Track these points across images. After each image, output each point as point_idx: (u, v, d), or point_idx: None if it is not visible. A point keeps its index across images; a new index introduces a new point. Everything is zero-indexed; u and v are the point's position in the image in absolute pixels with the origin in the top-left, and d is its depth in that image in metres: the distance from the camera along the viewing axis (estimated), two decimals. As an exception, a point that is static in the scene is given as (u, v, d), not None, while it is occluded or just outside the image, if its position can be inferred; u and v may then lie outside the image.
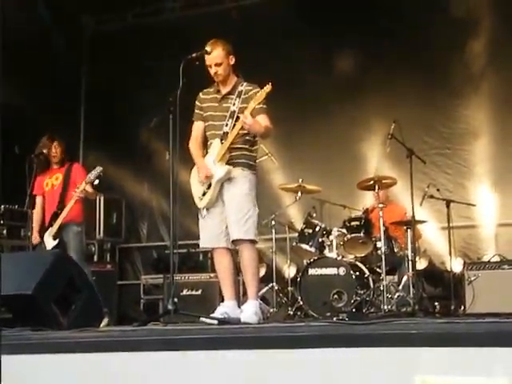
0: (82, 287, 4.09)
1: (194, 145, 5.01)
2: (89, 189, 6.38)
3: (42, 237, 6.43)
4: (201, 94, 5.02)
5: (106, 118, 9.18)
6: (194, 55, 4.75)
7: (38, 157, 6.63)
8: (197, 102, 5.01)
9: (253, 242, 4.83)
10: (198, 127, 5.02)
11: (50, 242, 6.34)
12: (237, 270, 5.08)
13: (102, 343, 2.91)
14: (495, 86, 7.79)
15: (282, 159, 7.51)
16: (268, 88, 4.68)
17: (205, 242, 4.98)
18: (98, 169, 6.36)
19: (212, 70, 4.86)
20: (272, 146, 7.18)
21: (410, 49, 8.11)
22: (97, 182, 6.37)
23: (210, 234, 4.91)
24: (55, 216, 6.40)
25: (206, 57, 4.83)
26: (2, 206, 7.50)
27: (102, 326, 5.78)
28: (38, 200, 6.66)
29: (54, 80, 8.54)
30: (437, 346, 2.42)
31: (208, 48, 4.80)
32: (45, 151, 6.57)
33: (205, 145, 5.02)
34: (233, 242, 4.83)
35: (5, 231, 7.49)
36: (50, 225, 6.40)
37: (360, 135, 8.24)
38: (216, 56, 4.83)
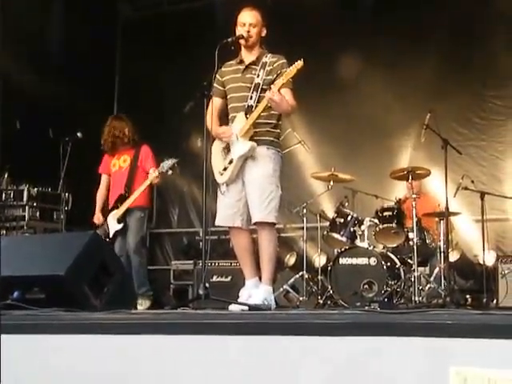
0: (115, 270, 4.11)
1: (210, 119, 4.82)
2: (155, 180, 6.32)
3: (105, 217, 6.46)
4: (222, 67, 4.88)
5: (138, 104, 9.19)
6: (229, 39, 4.72)
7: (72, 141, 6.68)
8: (217, 76, 4.85)
9: (273, 224, 4.72)
10: (215, 103, 4.82)
11: (113, 225, 6.36)
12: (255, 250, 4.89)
13: (134, 325, 2.91)
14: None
15: (314, 147, 7.49)
16: (299, 64, 4.53)
17: (220, 221, 4.86)
18: (173, 160, 6.27)
19: (244, 29, 4.74)
20: (305, 134, 7.16)
21: (448, 39, 8.02)
22: (170, 172, 6.29)
23: (225, 212, 4.80)
24: (121, 198, 6.38)
25: (242, 15, 4.76)
26: (36, 189, 7.57)
27: (143, 308, 5.85)
28: (104, 179, 6.69)
29: (89, 66, 8.57)
30: (472, 337, 2.38)
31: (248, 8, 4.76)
32: (116, 133, 6.51)
33: (224, 121, 4.89)
34: (253, 223, 4.72)
35: (38, 213, 7.55)
36: (116, 206, 6.39)
37: (394, 124, 8.19)
38: (254, 16, 4.77)
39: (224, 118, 4.93)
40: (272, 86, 4.57)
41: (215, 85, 4.87)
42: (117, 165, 6.58)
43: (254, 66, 4.79)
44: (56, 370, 2.93)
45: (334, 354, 2.56)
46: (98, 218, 6.48)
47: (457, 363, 2.35)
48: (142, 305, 6.18)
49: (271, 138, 4.76)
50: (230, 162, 4.75)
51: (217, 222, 4.89)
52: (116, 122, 6.61)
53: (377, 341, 2.51)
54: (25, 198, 7.48)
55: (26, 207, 7.45)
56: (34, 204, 7.53)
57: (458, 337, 2.39)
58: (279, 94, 4.51)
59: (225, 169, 4.78)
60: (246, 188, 4.73)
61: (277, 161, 4.75)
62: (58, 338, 2.98)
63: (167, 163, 6.26)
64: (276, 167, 4.73)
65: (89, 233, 4.44)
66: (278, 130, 4.85)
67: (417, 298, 5.95)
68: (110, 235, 6.36)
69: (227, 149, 4.82)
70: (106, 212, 6.52)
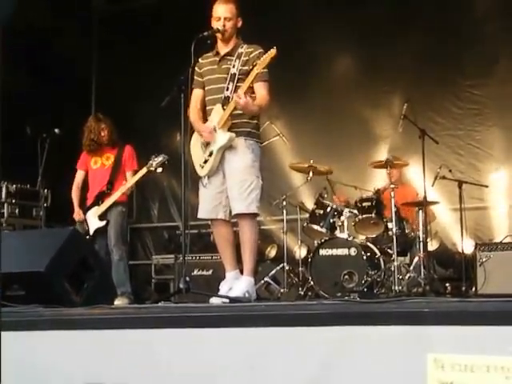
0: (95, 266, 4.11)
1: (193, 112, 4.85)
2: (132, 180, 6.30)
3: (83, 214, 6.41)
4: (200, 59, 4.88)
5: (115, 99, 9.15)
6: (205, 33, 4.72)
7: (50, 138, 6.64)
8: (196, 69, 4.85)
9: (255, 215, 4.73)
10: (196, 95, 4.88)
11: (94, 222, 6.32)
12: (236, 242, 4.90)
13: (115, 320, 2.92)
14: (508, 67, 7.73)
15: (293, 139, 7.49)
16: (272, 53, 4.52)
17: (202, 213, 4.86)
18: (163, 156, 6.21)
19: (219, 23, 4.74)
20: (283, 126, 7.17)
21: (423, 29, 8.04)
22: (160, 170, 6.23)
23: (208, 205, 4.80)
24: (102, 195, 6.35)
25: (217, 8, 4.75)
26: (14, 186, 7.53)
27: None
28: (79, 174, 6.63)
29: (65, 61, 8.53)
30: (449, 324, 2.42)
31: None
32: (93, 136, 6.46)
33: (204, 112, 4.89)
34: (234, 215, 4.73)
35: (17, 210, 7.52)
36: (96, 203, 6.37)
37: (372, 115, 8.21)
38: (229, 9, 4.76)
39: (205, 110, 4.93)
40: (239, 90, 4.57)
41: (195, 77, 4.87)
42: (99, 162, 6.54)
43: (229, 57, 4.80)
44: (37, 366, 2.94)
45: (314, 345, 2.59)
46: (78, 214, 6.44)
47: (434, 350, 2.39)
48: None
49: (249, 129, 4.76)
50: (210, 154, 4.74)
51: (199, 215, 4.89)
52: (95, 123, 6.54)
53: (355, 330, 2.54)
54: (3, 195, 7.44)
55: (5, 204, 7.42)
56: (13, 201, 7.50)
57: (435, 324, 2.43)
58: (244, 97, 4.51)
59: (205, 161, 4.77)
60: (226, 180, 4.74)
61: (256, 151, 4.75)
62: (38, 335, 2.98)
63: (156, 160, 6.20)
64: (255, 158, 4.73)
65: (68, 229, 4.44)
66: (256, 121, 4.84)
67: (397, 288, 5.99)
68: (91, 232, 6.33)
69: (206, 142, 4.82)
70: (83, 209, 6.48)
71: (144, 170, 6.27)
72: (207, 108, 4.88)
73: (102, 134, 6.49)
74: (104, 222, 6.29)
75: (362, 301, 3.30)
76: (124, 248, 6.43)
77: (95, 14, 9.90)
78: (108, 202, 6.29)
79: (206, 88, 4.87)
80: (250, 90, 4.68)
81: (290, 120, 7.86)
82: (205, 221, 5.14)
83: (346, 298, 5.06)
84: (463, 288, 6.39)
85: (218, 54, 4.85)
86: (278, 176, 8.02)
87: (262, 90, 4.70)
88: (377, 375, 2.45)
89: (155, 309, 3.78)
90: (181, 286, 4.31)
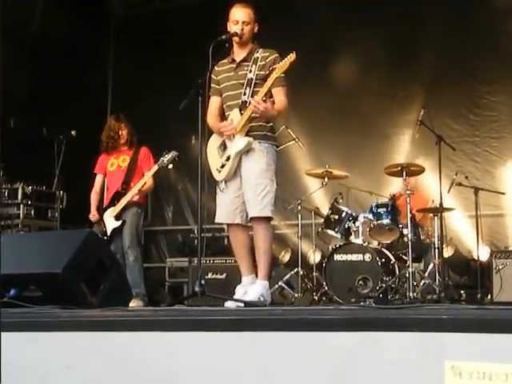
0: (111, 267, 4.12)
1: (212, 118, 4.86)
2: (149, 181, 6.35)
3: (100, 215, 6.45)
4: (216, 66, 4.88)
5: (132, 102, 9.18)
6: (223, 37, 4.72)
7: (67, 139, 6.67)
8: (212, 76, 4.85)
9: (269, 219, 4.72)
10: (214, 102, 4.90)
11: (111, 222, 6.35)
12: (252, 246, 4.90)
13: (132, 322, 2.92)
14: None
15: (308, 144, 7.48)
16: (292, 57, 4.51)
17: (220, 218, 4.86)
18: (173, 153, 6.27)
19: (237, 27, 4.73)
20: (299, 131, 7.16)
21: (442, 36, 8.02)
22: (170, 166, 6.31)
23: (225, 209, 4.79)
24: (118, 195, 6.38)
25: (235, 12, 4.76)
26: (30, 187, 7.57)
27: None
28: (98, 179, 6.66)
29: (83, 65, 8.57)
30: (467, 331, 2.40)
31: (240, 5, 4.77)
32: (112, 134, 6.52)
33: (222, 119, 4.89)
34: (249, 219, 4.72)
35: (32, 212, 7.55)
36: (113, 204, 6.40)
37: (389, 121, 8.20)
38: (247, 14, 4.76)
39: (223, 117, 4.93)
40: (256, 96, 4.57)
41: (212, 84, 4.88)
42: (115, 164, 6.57)
43: (245, 63, 4.80)
44: (54, 367, 2.94)
45: (330, 350, 2.58)
46: (93, 215, 6.48)
47: (452, 357, 2.37)
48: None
49: (264, 132, 4.75)
50: (228, 158, 4.74)
51: (217, 220, 4.88)
52: (114, 121, 6.61)
53: (373, 336, 2.52)
54: (19, 197, 7.49)
55: (21, 205, 7.46)
56: (29, 202, 7.53)
57: (453, 331, 2.41)
58: (263, 103, 4.52)
59: (222, 166, 4.77)
60: (242, 184, 4.75)
61: (271, 155, 4.74)
62: (55, 336, 2.99)
63: (167, 157, 6.27)
64: (270, 161, 4.72)
65: (85, 230, 4.45)
66: (271, 124, 4.84)
67: (411, 294, 5.97)
68: (108, 233, 6.36)
69: (223, 146, 4.82)
70: (101, 211, 6.51)
71: (155, 167, 6.31)
72: (225, 114, 4.89)
73: (120, 132, 6.54)
74: (120, 222, 6.32)
75: (379, 306, 3.28)
76: (139, 249, 6.44)
77: (112, 17, 9.94)
78: (123, 201, 6.32)
79: (224, 95, 4.88)
80: (268, 95, 4.68)
81: (306, 125, 7.84)
82: (220, 224, 5.14)
83: (362, 303, 5.04)
84: (478, 295, 6.36)
85: (233, 60, 4.86)
86: (294, 180, 8.02)
87: (280, 95, 4.70)
88: (394, 382, 2.44)
89: (171, 311, 3.78)
90: (196, 289, 4.29)
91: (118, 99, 9.69)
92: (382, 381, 2.45)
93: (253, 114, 4.65)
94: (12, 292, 3.85)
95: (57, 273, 3.77)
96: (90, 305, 3.77)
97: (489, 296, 6.23)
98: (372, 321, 2.59)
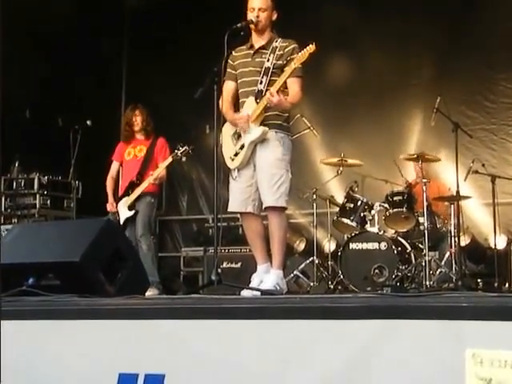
0: (129, 256, 4.13)
1: (225, 104, 4.81)
2: (162, 172, 6.39)
3: (115, 205, 6.49)
4: (233, 52, 4.84)
5: (146, 91, 9.18)
6: (239, 25, 4.68)
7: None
8: (229, 61, 4.80)
9: (283, 208, 4.70)
10: (228, 87, 4.83)
11: (124, 212, 6.39)
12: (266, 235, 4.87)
13: (149, 310, 2.93)
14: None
15: (323, 133, 7.46)
16: (311, 48, 4.45)
17: (232, 207, 4.83)
18: (188, 147, 6.33)
19: (253, 14, 4.69)
20: (313, 120, 7.13)
21: (457, 21, 7.96)
22: (184, 159, 6.37)
23: (238, 198, 4.78)
24: (132, 185, 6.41)
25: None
26: (46, 177, 7.61)
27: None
28: (114, 166, 6.70)
29: (96, 54, 8.58)
30: (488, 319, 2.39)
31: None
32: (127, 121, 6.59)
33: (235, 105, 4.86)
34: (264, 208, 4.71)
35: (48, 201, 7.59)
36: (127, 194, 6.43)
37: (404, 109, 8.15)
38: (263, 1, 4.71)
39: (237, 103, 4.91)
40: (272, 87, 4.54)
41: (228, 69, 4.83)
42: (132, 153, 6.60)
43: (264, 51, 4.76)
44: (71, 355, 2.96)
45: (348, 338, 2.57)
46: (111, 204, 6.50)
47: (473, 345, 2.36)
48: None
49: (279, 122, 4.72)
50: (242, 147, 4.72)
51: (229, 208, 4.86)
52: (130, 110, 6.68)
53: (392, 324, 2.52)
54: (35, 187, 7.53)
55: (37, 195, 7.50)
56: (45, 192, 7.57)
57: (473, 319, 2.40)
58: (277, 96, 4.49)
59: (236, 154, 4.75)
60: (256, 173, 4.74)
61: (286, 145, 4.72)
62: (73, 324, 3.00)
63: (181, 150, 6.32)
64: (285, 151, 4.69)
65: (103, 219, 4.46)
66: (287, 114, 4.81)
67: (428, 283, 5.95)
68: (121, 222, 6.39)
69: (237, 134, 4.80)
70: (116, 200, 6.54)
71: (169, 159, 6.36)
72: (240, 101, 4.85)
73: (134, 119, 6.58)
74: (132, 212, 6.35)
75: (398, 294, 3.27)
76: (151, 238, 6.47)
77: (127, 7, 9.92)
78: (137, 191, 6.35)
79: (239, 81, 4.84)
80: (283, 85, 4.66)
81: (320, 113, 7.81)
82: (234, 214, 5.14)
83: (379, 292, 5.03)
84: (495, 284, 6.32)
85: (252, 47, 4.82)
86: (308, 169, 8.00)
87: (295, 86, 4.66)
88: (414, 370, 2.43)
89: (188, 300, 3.79)
90: (212, 277, 4.29)
91: (132, 88, 9.68)
92: (403, 369, 2.45)
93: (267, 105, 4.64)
94: (30, 281, 3.87)
95: (75, 261, 3.79)
96: (108, 293, 3.78)
97: (506, 284, 6.20)
98: (392, 308, 2.57)
